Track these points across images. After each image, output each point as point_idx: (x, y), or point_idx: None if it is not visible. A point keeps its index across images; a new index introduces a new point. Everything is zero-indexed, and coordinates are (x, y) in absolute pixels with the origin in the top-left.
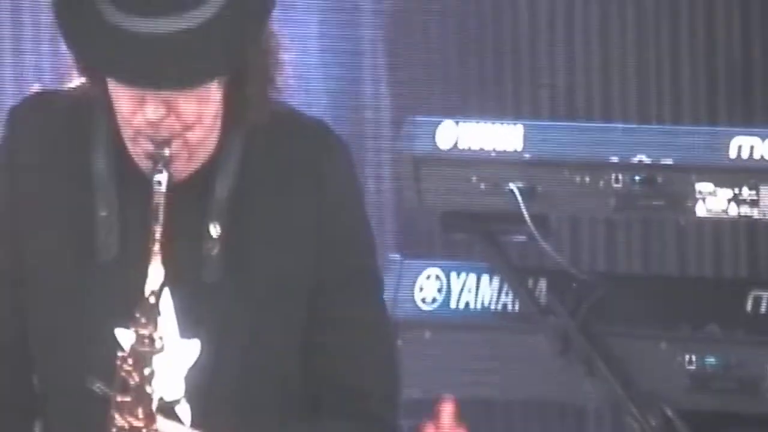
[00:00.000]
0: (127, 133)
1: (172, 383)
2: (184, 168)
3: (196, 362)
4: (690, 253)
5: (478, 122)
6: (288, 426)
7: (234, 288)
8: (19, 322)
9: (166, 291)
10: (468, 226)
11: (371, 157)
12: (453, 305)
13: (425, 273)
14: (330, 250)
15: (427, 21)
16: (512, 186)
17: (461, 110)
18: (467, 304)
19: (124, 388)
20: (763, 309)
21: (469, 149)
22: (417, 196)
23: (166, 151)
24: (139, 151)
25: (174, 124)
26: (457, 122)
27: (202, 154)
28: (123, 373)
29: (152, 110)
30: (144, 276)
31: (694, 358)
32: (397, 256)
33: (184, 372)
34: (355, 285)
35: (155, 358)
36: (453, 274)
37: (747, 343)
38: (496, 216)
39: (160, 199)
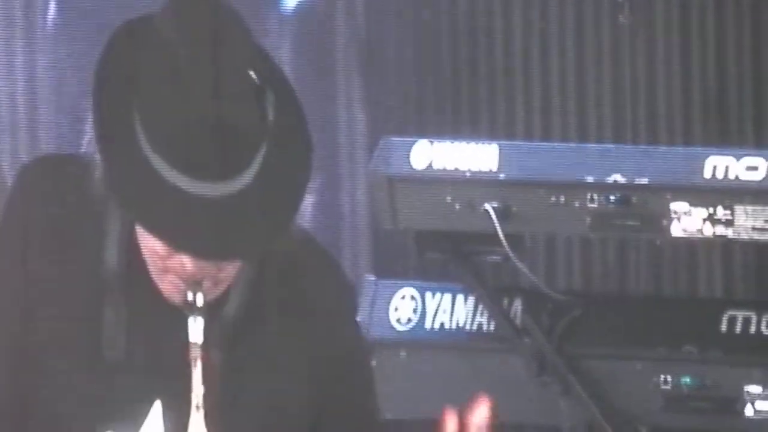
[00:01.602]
0: (156, 266)
1: None
2: (210, 295)
3: None
4: (665, 273)
5: (452, 142)
6: None
7: (231, 415)
8: (16, 397)
9: (158, 402)
10: (443, 247)
11: (346, 177)
12: (428, 325)
13: (400, 293)
14: (332, 389)
15: (401, 42)
16: (487, 206)
17: (436, 130)
18: (442, 324)
19: None
20: (738, 329)
21: (444, 169)
22: (391, 217)
23: (200, 298)
24: (167, 285)
25: (209, 269)
26: (431, 142)
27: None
28: None
29: (187, 272)
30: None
31: (669, 378)
32: (372, 277)
33: None
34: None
35: None
36: (428, 294)
37: (722, 363)
38: (471, 236)
39: (196, 354)
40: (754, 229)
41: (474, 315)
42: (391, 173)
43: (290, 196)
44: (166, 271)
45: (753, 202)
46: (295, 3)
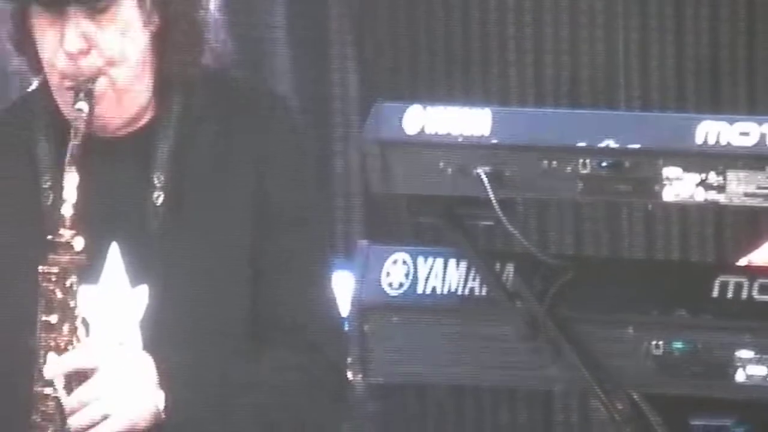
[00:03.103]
0: (53, 82)
1: (129, 332)
2: (114, 113)
3: (146, 309)
4: (657, 238)
5: (445, 107)
6: (231, 364)
7: (176, 236)
8: None
9: (114, 244)
10: (435, 211)
11: (338, 142)
12: (420, 290)
13: (392, 258)
14: (269, 202)
15: (394, 8)
16: (479, 170)
17: (428, 96)
18: (434, 288)
19: (49, 307)
20: (729, 294)
21: (436, 134)
22: (384, 181)
23: (89, 84)
24: (67, 99)
25: (96, 60)
26: (424, 107)
27: (132, 102)
28: (46, 291)
29: (72, 42)
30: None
31: (660, 342)
32: (364, 242)
33: (138, 320)
34: (293, 234)
35: (76, 269)
36: (420, 259)
37: (714, 328)
38: (463, 200)
39: (80, 123)
40: (746, 194)
41: (466, 279)
42: (383, 138)
43: None
44: (62, 81)
45: (745, 168)
46: None
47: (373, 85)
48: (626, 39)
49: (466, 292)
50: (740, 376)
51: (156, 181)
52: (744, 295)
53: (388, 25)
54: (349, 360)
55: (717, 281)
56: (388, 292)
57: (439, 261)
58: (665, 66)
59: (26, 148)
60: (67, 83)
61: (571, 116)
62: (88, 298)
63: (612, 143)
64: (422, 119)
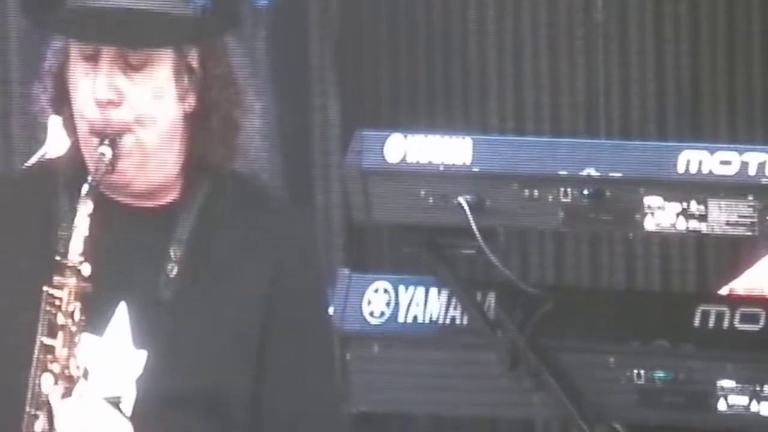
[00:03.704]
0: (82, 132)
1: (121, 384)
2: (138, 174)
3: (143, 372)
4: (638, 268)
5: (426, 136)
6: None
7: (186, 310)
8: None
9: (123, 304)
10: (416, 240)
11: (320, 171)
12: (401, 319)
13: (373, 286)
14: (280, 315)
15: (375, 36)
16: (461, 199)
17: (409, 124)
18: (415, 317)
19: (49, 330)
20: (711, 323)
21: (418, 163)
22: (365, 210)
23: (116, 137)
24: (92, 150)
25: (126, 115)
26: (405, 136)
27: (157, 171)
28: (49, 313)
29: (102, 91)
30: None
31: (642, 372)
32: (345, 270)
33: (135, 377)
34: (301, 339)
35: (81, 295)
36: (401, 288)
37: (695, 358)
38: (444, 229)
39: (101, 165)
40: (727, 223)
41: (447, 308)
42: (365, 166)
43: None
44: (90, 133)
45: (726, 197)
46: None
47: (354, 114)
48: (606, 67)
49: (447, 321)
50: (722, 406)
51: (173, 255)
52: (725, 324)
53: (370, 54)
54: None
55: (698, 311)
56: (369, 320)
57: (421, 290)
58: (646, 93)
59: (47, 202)
60: (95, 133)
61: (552, 145)
62: (91, 348)
63: (593, 172)
64: (403, 148)
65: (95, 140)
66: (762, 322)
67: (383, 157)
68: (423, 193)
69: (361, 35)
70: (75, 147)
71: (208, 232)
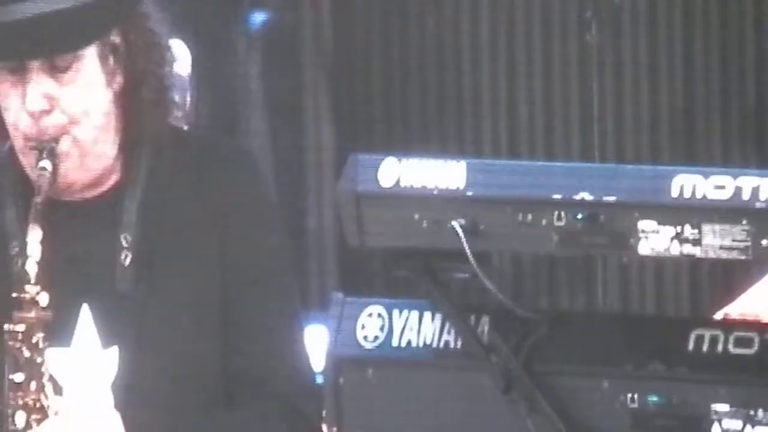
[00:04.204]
0: (18, 144)
1: (101, 393)
2: (79, 172)
3: (118, 371)
4: (633, 291)
5: (420, 160)
6: (203, 419)
7: (146, 296)
8: None
9: (85, 305)
10: (410, 264)
11: (313, 195)
12: (395, 343)
13: (367, 311)
14: (235, 258)
15: (369, 59)
16: (454, 223)
17: (404, 148)
18: (409, 341)
19: (16, 366)
20: (705, 347)
21: (411, 187)
22: (359, 234)
23: (53, 144)
24: (31, 160)
25: (59, 119)
26: (399, 159)
27: (97, 162)
28: (13, 349)
29: (34, 102)
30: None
31: (636, 396)
32: (339, 294)
33: (110, 382)
34: (259, 288)
35: (42, 326)
36: (395, 312)
37: (689, 382)
38: (438, 253)
39: (44, 181)
40: (721, 248)
41: (441, 333)
42: (358, 190)
43: None
44: (26, 143)
45: (721, 221)
46: (263, 20)
47: (347, 138)
48: (600, 91)
49: (441, 345)
50: (716, 430)
51: (124, 242)
52: (719, 348)
53: (363, 78)
54: (324, 413)
55: (692, 334)
56: (363, 344)
57: (414, 314)
58: (640, 117)
59: None
60: (31, 144)
61: (546, 168)
62: (60, 361)
63: (587, 196)
64: (397, 171)
65: (32, 148)
66: (756, 346)
67: (377, 180)
68: (417, 216)
69: (355, 59)
70: (11, 153)
71: (154, 207)
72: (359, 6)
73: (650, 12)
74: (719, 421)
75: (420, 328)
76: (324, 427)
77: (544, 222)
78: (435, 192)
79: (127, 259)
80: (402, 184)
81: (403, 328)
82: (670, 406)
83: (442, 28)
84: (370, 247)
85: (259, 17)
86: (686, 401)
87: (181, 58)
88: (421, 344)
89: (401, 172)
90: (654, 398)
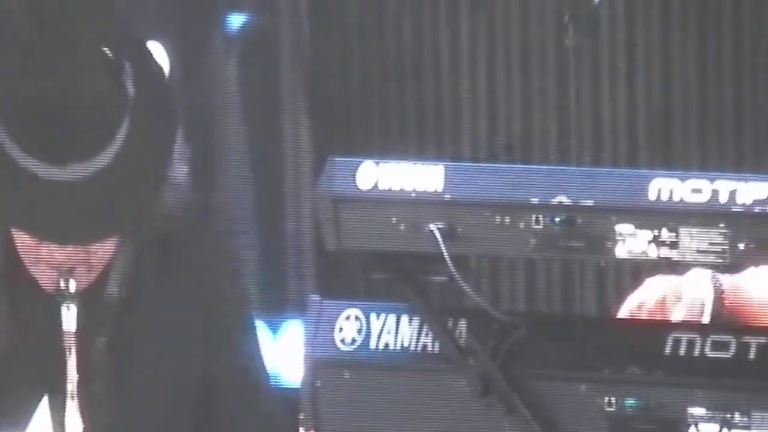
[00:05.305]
0: (29, 257)
1: None
2: (85, 281)
3: None
4: (609, 295)
5: (398, 163)
6: None
7: (120, 397)
8: None
9: (47, 404)
10: (388, 267)
11: (291, 197)
12: (373, 346)
13: (345, 313)
14: (218, 353)
15: (347, 62)
16: (432, 227)
17: (382, 151)
18: (387, 344)
19: None
20: (682, 351)
21: (390, 189)
22: (337, 237)
23: (72, 285)
24: (41, 275)
25: (78, 253)
26: (377, 162)
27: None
28: None
29: (59, 251)
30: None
31: (613, 399)
32: (317, 297)
33: None
34: (238, 381)
35: None
36: (373, 315)
37: (666, 385)
38: (416, 257)
39: (71, 343)
40: (698, 251)
41: (419, 335)
42: (336, 193)
43: (153, 172)
44: (38, 261)
45: (698, 225)
46: (241, 23)
47: (325, 141)
48: (578, 95)
49: (419, 348)
50: None
51: (99, 343)
52: (696, 352)
53: (341, 81)
54: (302, 416)
55: (670, 338)
56: (340, 347)
57: (392, 317)
58: (617, 121)
59: None
60: (46, 270)
61: (524, 172)
62: None
63: (565, 199)
64: (375, 175)
65: (45, 269)
66: (733, 350)
67: (355, 183)
68: (395, 220)
69: (333, 62)
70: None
71: (130, 304)
72: (337, 8)
73: (628, 15)
74: (696, 424)
75: (397, 331)
76: (301, 430)
77: (521, 225)
78: (413, 195)
79: (101, 360)
80: (380, 187)
81: (381, 331)
82: (647, 410)
83: (420, 31)
84: (348, 250)
85: (236, 20)
86: (663, 405)
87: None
88: (398, 347)
89: (379, 175)
90: (631, 402)
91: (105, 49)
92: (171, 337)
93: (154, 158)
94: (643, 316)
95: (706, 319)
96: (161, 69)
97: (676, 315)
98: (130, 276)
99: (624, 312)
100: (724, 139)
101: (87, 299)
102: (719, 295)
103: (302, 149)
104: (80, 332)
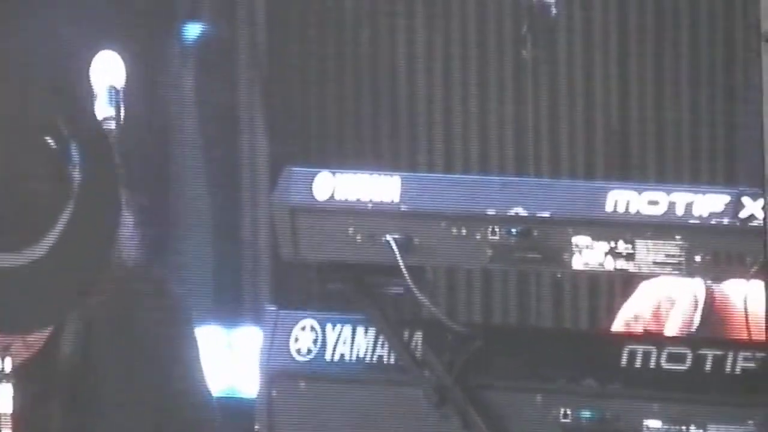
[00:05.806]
0: None
1: None
2: (25, 353)
3: None
4: (566, 306)
5: (354, 173)
6: None
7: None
8: None
9: None
10: (344, 278)
11: (248, 207)
12: (328, 357)
13: (300, 324)
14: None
15: (303, 73)
16: (388, 237)
17: (338, 161)
18: (342, 355)
19: None
20: (638, 363)
21: (346, 200)
22: (293, 247)
23: (7, 364)
24: None
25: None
26: (333, 173)
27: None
28: None
29: None
30: None
31: (569, 411)
32: (272, 307)
33: None
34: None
35: None
36: (329, 326)
37: (622, 397)
38: (372, 267)
39: (6, 423)
40: (655, 263)
41: (374, 347)
42: (293, 203)
43: (96, 255)
44: None
45: (654, 237)
46: (197, 32)
47: (282, 151)
48: (535, 106)
49: (375, 359)
50: None
51: (53, 408)
52: (652, 364)
53: (298, 91)
54: (257, 426)
55: (625, 350)
56: (296, 358)
57: (348, 328)
58: (574, 132)
59: None
60: None
61: (480, 183)
62: None
63: (521, 211)
64: (332, 185)
65: None
66: (689, 362)
67: (311, 193)
68: (351, 230)
69: (290, 72)
70: None
71: (83, 370)
72: (294, 19)
73: (586, 28)
74: None
75: (353, 342)
76: None
77: (478, 236)
78: (369, 206)
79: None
80: (336, 197)
81: (336, 342)
82: (603, 422)
83: (377, 42)
84: (304, 260)
85: (193, 30)
86: (619, 416)
87: (114, 69)
88: (354, 358)
89: (336, 185)
90: (587, 413)
91: (47, 139)
92: (126, 394)
93: (96, 242)
94: (640, 323)
95: (695, 325)
96: (110, 146)
97: (671, 321)
98: (76, 346)
99: (620, 320)
100: (680, 152)
101: (26, 375)
102: (710, 303)
103: (259, 158)
104: (18, 412)
